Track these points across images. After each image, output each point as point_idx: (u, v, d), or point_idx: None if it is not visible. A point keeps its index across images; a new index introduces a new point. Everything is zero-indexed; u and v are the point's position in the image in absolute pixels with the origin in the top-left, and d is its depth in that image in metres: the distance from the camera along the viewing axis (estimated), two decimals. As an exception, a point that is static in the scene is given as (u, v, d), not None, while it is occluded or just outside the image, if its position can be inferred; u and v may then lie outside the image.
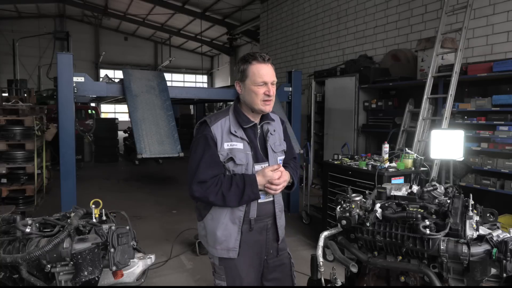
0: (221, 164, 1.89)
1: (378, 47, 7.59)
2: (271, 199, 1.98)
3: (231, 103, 2.06)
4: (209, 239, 1.98)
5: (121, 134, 12.68)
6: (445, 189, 1.72)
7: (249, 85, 1.89)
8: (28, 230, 1.51)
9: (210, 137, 1.88)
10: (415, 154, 3.90)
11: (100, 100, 9.85)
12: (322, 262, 1.64)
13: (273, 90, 1.91)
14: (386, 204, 1.62)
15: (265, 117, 2.00)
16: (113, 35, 24.33)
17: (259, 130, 1.98)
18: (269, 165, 1.94)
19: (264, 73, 1.87)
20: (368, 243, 1.59)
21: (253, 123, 1.95)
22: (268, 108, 1.91)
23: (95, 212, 1.67)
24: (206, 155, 1.87)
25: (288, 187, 2.06)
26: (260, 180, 1.86)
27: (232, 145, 1.89)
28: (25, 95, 8.61)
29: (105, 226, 1.57)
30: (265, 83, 1.88)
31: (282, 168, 1.92)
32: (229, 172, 1.91)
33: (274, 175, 1.86)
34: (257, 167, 1.91)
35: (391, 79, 6.13)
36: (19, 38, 13.70)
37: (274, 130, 2.04)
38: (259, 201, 1.93)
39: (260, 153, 1.95)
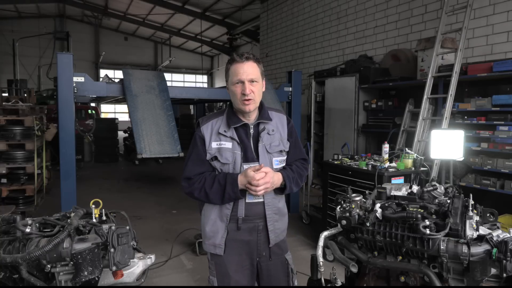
0: (207, 162, 1.93)
1: (378, 47, 7.59)
2: (261, 200, 1.94)
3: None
4: (202, 233, 2.06)
5: (121, 134, 12.68)
6: (445, 189, 1.72)
7: (229, 86, 1.92)
8: (28, 230, 1.51)
9: (199, 136, 1.95)
10: (415, 154, 3.90)
11: (100, 100, 9.85)
12: (322, 262, 1.63)
13: (251, 88, 1.85)
14: (386, 204, 1.61)
15: (261, 116, 1.97)
16: (113, 35, 24.32)
17: (251, 130, 1.95)
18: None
19: (240, 71, 1.84)
20: (368, 243, 1.59)
21: (242, 123, 1.93)
22: (247, 107, 1.87)
23: (95, 212, 1.66)
24: (193, 153, 1.96)
25: (281, 189, 1.99)
26: (241, 179, 1.83)
27: (220, 144, 1.91)
28: (25, 95, 8.62)
29: (105, 226, 1.57)
30: (241, 82, 1.85)
31: (267, 169, 1.85)
32: (217, 171, 1.94)
33: (255, 176, 1.79)
34: (246, 166, 1.89)
35: (391, 79, 6.13)
36: (19, 38, 13.70)
37: (273, 130, 1.98)
38: (247, 201, 1.92)
39: (252, 153, 1.92)
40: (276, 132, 2.00)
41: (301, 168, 2.08)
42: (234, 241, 1.95)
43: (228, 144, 1.91)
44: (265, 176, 1.82)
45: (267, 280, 2.03)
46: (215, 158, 1.91)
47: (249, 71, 1.85)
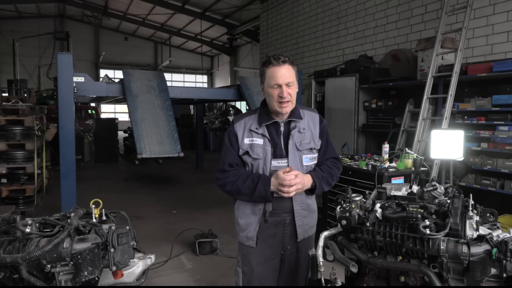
0: (238, 157, 2.03)
1: (378, 47, 7.59)
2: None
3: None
4: (236, 225, 2.14)
5: (121, 134, 12.67)
6: (445, 189, 1.72)
7: (266, 88, 2.00)
8: (28, 230, 1.51)
9: (232, 133, 2.06)
10: (415, 154, 3.90)
11: (100, 100, 9.85)
12: (322, 262, 1.64)
13: (288, 91, 1.93)
14: (386, 204, 1.61)
15: (292, 114, 2.03)
16: (113, 35, 24.31)
17: (282, 128, 2.03)
18: (288, 162, 1.99)
19: (278, 75, 1.92)
20: (368, 243, 1.59)
21: (272, 120, 2.02)
22: (284, 109, 1.96)
23: (95, 212, 1.66)
24: (226, 148, 2.07)
25: (311, 191, 2.05)
26: (273, 181, 1.91)
27: (252, 140, 2.02)
28: (25, 95, 8.61)
29: (105, 226, 1.57)
30: (279, 86, 1.93)
31: (296, 172, 1.92)
32: (248, 166, 2.03)
33: (285, 177, 1.87)
34: (274, 162, 1.99)
35: (391, 79, 6.13)
36: (19, 38, 13.67)
37: (304, 128, 2.06)
38: (275, 194, 1.98)
39: (281, 150, 2.01)
40: (307, 130, 2.07)
41: (332, 168, 2.12)
42: (261, 234, 2.04)
43: (259, 141, 2.01)
44: (296, 177, 1.89)
45: (287, 274, 2.10)
46: (247, 153, 2.02)
47: (286, 74, 1.94)
